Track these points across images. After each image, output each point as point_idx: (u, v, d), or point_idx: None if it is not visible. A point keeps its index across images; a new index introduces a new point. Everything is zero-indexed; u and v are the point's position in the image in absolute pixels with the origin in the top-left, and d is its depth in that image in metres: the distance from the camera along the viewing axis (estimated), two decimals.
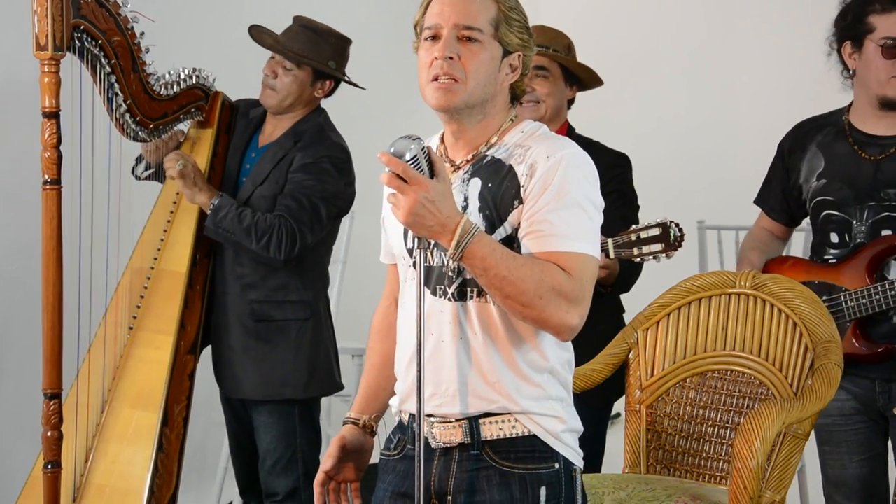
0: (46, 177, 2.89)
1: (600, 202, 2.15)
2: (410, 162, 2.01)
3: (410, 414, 2.22)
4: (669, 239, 2.99)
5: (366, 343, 2.47)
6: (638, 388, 2.96)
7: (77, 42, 2.99)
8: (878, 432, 3.09)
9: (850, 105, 3.14)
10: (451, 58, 2.12)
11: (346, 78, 3.53)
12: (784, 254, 3.37)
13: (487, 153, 2.18)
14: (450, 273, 2.15)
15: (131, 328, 3.42)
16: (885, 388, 3.03)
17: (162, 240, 3.50)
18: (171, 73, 3.40)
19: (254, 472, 3.62)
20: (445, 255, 2.14)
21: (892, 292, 2.94)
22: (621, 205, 3.23)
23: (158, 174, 3.54)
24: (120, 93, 3.19)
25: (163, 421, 3.29)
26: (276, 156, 3.48)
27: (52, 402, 2.92)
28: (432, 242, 2.10)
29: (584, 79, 3.39)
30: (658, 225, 2.99)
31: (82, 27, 2.98)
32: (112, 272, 3.36)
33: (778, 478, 2.68)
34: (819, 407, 2.64)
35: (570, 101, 3.43)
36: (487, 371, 2.13)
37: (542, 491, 2.14)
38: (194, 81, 3.48)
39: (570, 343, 2.19)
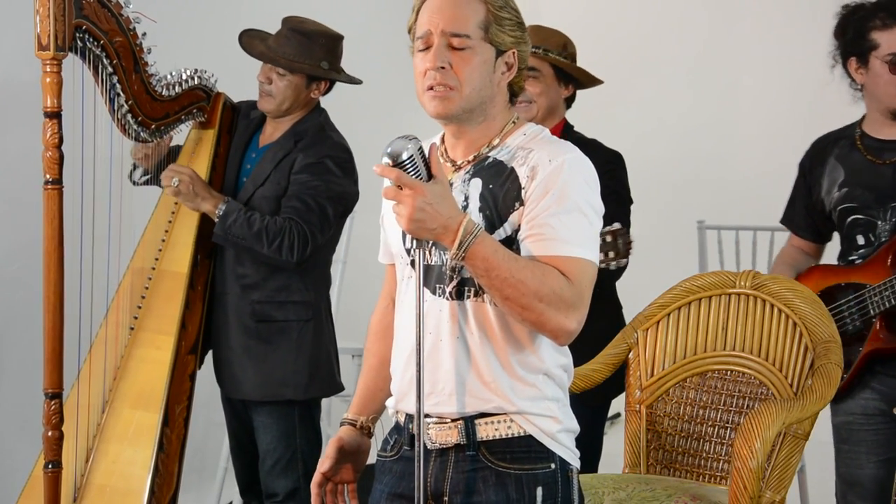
0: (48, 177, 2.88)
1: (600, 207, 2.16)
2: (407, 162, 2.02)
3: (407, 414, 2.23)
4: (618, 247, 3.00)
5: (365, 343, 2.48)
6: (638, 388, 2.97)
7: (79, 42, 2.99)
8: None
9: (863, 117, 3.20)
10: (442, 67, 2.12)
11: (340, 77, 3.54)
12: None
13: (489, 154, 2.19)
14: (448, 272, 2.15)
15: (132, 328, 3.42)
16: None
17: (163, 240, 3.50)
18: (173, 73, 3.40)
19: (254, 473, 3.62)
20: (445, 253, 2.14)
21: None
22: (611, 202, 3.24)
23: (156, 179, 3.53)
24: (122, 93, 3.19)
25: (163, 421, 3.29)
26: (277, 156, 3.48)
27: (52, 402, 2.92)
28: (430, 242, 2.11)
29: (578, 77, 3.40)
30: (609, 233, 3.00)
31: (84, 27, 2.98)
32: (113, 272, 3.35)
33: (778, 478, 2.68)
34: (819, 407, 2.65)
35: (570, 100, 3.44)
36: (484, 371, 2.13)
37: (539, 491, 2.15)
38: (196, 82, 3.48)
39: (567, 348, 2.19)
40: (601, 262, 2.97)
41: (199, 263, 3.47)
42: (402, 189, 2.01)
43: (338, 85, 3.59)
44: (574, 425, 2.22)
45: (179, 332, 3.38)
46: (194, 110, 3.51)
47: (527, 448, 2.15)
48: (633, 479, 2.82)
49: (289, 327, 3.47)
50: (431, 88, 2.13)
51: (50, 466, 2.93)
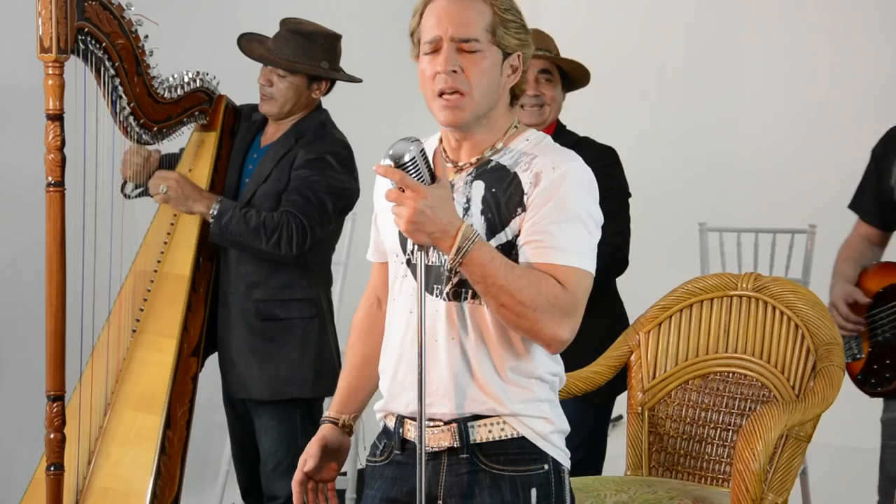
0: (50, 179, 2.89)
1: (600, 218, 2.17)
2: (409, 164, 2.01)
3: (397, 416, 2.22)
4: None
5: None
6: (640, 391, 2.97)
7: (81, 45, 2.99)
8: None
9: None
10: (454, 71, 2.12)
11: (340, 76, 3.54)
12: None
13: (492, 158, 2.19)
14: (447, 273, 2.15)
15: (134, 331, 3.42)
16: None
17: (165, 242, 3.50)
18: (175, 76, 3.41)
19: (255, 475, 3.62)
20: (444, 254, 2.14)
21: None
22: (609, 200, 3.24)
23: (148, 191, 3.53)
24: (124, 95, 3.20)
25: (165, 423, 3.29)
26: (278, 153, 3.48)
27: (54, 405, 2.92)
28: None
29: (575, 79, 3.41)
30: None
31: (86, 30, 2.98)
32: (115, 275, 3.36)
33: (780, 480, 2.68)
34: (821, 409, 2.65)
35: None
36: (477, 373, 2.14)
37: (533, 493, 2.15)
38: (198, 85, 3.49)
39: (559, 356, 2.20)
40: None
41: (201, 266, 3.47)
42: (403, 191, 2.01)
43: (337, 85, 3.59)
44: (565, 426, 2.23)
45: (181, 335, 3.38)
46: (196, 113, 3.51)
47: (520, 450, 2.16)
48: (635, 482, 2.82)
49: (293, 325, 3.47)
50: (442, 95, 2.13)
51: (52, 469, 2.94)
